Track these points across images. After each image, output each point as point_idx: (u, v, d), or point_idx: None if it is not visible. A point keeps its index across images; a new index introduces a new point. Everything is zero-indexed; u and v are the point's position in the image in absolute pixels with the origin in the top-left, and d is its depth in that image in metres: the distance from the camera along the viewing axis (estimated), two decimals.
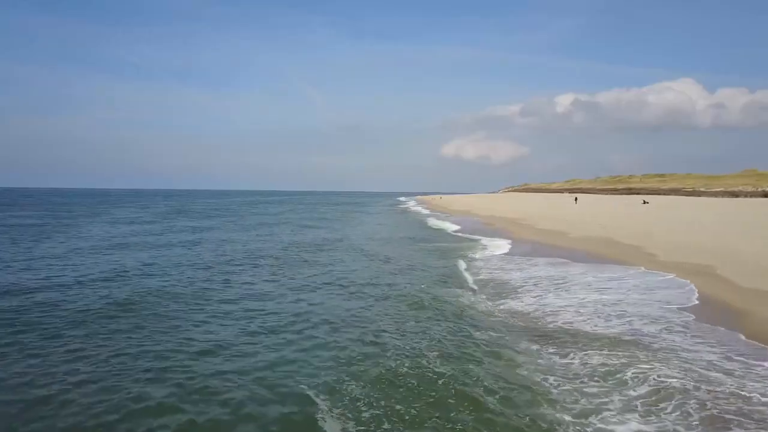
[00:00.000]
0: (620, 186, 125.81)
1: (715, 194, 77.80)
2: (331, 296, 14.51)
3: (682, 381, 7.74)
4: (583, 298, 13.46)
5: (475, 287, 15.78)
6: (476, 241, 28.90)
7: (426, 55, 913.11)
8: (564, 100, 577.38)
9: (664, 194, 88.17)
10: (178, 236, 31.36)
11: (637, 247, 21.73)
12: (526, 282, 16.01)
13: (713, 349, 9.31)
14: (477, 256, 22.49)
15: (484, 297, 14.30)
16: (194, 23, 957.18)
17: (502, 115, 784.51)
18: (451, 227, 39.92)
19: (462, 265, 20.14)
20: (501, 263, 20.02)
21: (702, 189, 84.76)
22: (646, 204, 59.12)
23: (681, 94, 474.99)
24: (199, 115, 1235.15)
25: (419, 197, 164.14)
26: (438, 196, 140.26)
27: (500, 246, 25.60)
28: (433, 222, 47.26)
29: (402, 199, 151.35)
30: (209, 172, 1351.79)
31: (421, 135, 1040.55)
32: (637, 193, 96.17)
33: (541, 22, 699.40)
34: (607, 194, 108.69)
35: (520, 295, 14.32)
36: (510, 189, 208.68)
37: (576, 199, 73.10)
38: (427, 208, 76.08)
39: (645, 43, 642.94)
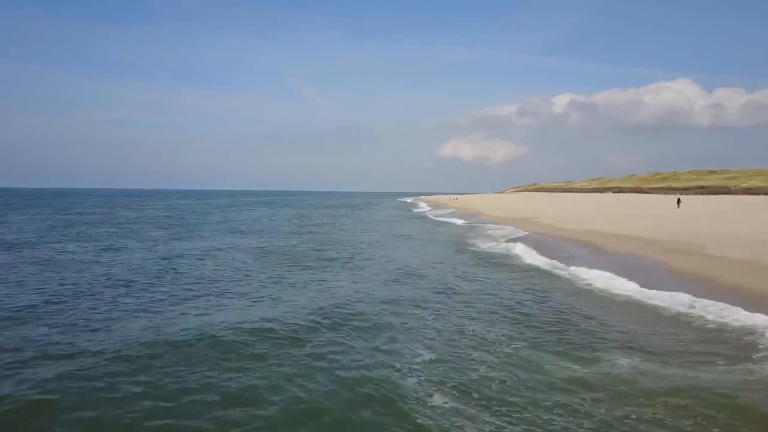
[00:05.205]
0: (676, 185, 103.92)
1: None
2: None
3: None
4: None
5: None
6: None
7: (425, 55, 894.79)
8: (561, 101, 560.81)
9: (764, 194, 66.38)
10: None
11: None
12: None
13: None
14: None
15: None
16: (194, 23, 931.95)
17: (500, 116, 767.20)
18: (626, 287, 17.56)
19: None
20: None
21: None
22: None
23: (679, 94, 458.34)
24: (198, 114, 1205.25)
25: (425, 197, 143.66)
26: (453, 197, 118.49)
27: None
28: (547, 265, 24.77)
29: (410, 200, 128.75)
30: (208, 172, 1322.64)
31: (419, 135, 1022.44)
32: (727, 193, 74.57)
33: (539, 22, 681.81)
34: (668, 194, 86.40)
35: None
36: (518, 189, 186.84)
37: (678, 201, 51.37)
38: (464, 217, 53.85)
39: (642, 43, 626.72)
